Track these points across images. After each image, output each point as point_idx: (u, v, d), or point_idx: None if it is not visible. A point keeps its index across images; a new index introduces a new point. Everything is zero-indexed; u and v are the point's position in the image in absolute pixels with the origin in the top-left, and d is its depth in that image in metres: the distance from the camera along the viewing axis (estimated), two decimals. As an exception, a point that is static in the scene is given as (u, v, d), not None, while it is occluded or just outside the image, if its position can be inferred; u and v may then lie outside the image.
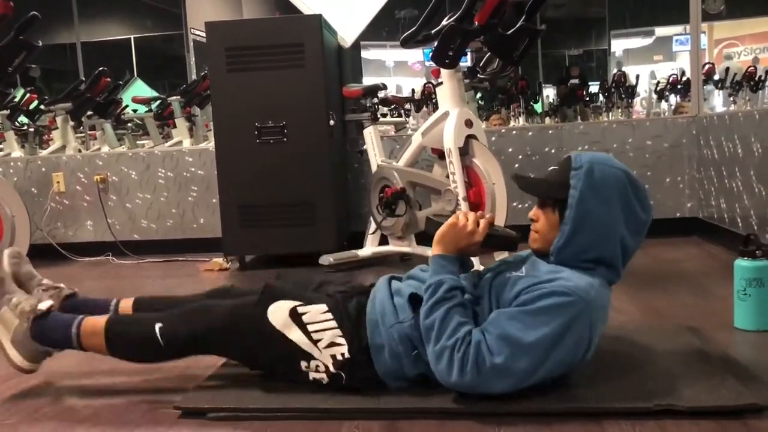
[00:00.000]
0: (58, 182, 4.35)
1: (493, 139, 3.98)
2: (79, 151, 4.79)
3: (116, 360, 1.79)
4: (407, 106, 6.19)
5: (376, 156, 3.53)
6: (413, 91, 7.05)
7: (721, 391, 1.49)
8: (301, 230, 3.55)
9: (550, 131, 4.07)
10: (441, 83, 3.06)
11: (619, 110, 6.48)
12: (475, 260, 2.85)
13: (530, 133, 4.06)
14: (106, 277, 3.64)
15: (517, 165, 4.00)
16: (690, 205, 3.89)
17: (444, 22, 2.84)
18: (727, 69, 7.04)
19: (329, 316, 1.62)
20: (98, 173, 4.32)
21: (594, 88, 7.36)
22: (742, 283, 2.01)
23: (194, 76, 5.79)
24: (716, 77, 6.91)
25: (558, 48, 9.66)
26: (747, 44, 9.85)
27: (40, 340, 1.75)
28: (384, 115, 5.35)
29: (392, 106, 5.61)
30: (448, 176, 2.98)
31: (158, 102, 5.43)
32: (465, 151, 2.94)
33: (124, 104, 5.50)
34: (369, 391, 1.59)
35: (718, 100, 6.98)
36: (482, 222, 1.61)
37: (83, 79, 5.52)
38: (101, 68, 4.83)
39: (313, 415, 1.54)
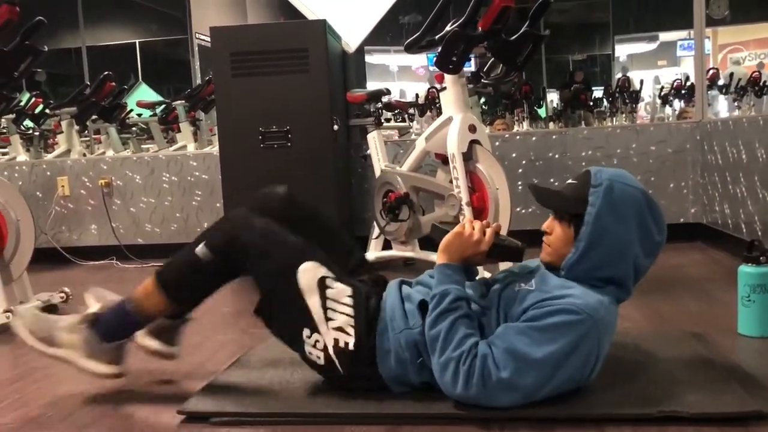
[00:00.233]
0: (62, 186, 4.37)
1: (497, 144, 3.98)
2: (84, 155, 4.80)
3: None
4: (411, 110, 6.19)
5: (379, 161, 3.54)
6: (417, 96, 7.06)
7: (725, 398, 1.48)
8: (305, 235, 3.55)
9: (554, 136, 4.07)
10: (445, 88, 3.06)
11: (623, 115, 6.47)
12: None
13: (534, 138, 4.06)
14: (110, 281, 3.65)
15: (520, 170, 4.00)
16: (694, 211, 3.88)
17: (448, 28, 2.85)
18: (732, 74, 7.03)
19: (350, 302, 1.60)
20: (103, 177, 4.33)
21: (598, 93, 7.36)
22: (746, 289, 2.00)
23: (199, 81, 5.81)
24: (720, 82, 6.90)
25: (562, 53, 9.67)
26: (751, 49, 9.84)
27: (108, 339, 1.73)
28: (388, 120, 5.37)
29: (396, 111, 5.63)
30: (451, 181, 2.98)
31: (163, 106, 5.45)
32: (468, 156, 2.94)
33: (128, 108, 5.52)
34: (370, 395, 1.59)
35: (722, 106, 6.97)
36: (488, 231, 1.60)
37: (88, 83, 5.54)
38: (106, 72, 4.85)
39: (315, 420, 1.54)
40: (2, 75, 2.72)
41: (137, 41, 8.28)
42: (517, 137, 4.11)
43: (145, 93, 7.20)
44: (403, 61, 9.59)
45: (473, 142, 2.95)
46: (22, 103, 5.46)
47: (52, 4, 6.88)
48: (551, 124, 6.56)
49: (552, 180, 3.97)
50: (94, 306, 1.78)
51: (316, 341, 1.59)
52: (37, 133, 5.56)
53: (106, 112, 5.01)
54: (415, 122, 6.17)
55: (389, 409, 1.53)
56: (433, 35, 2.90)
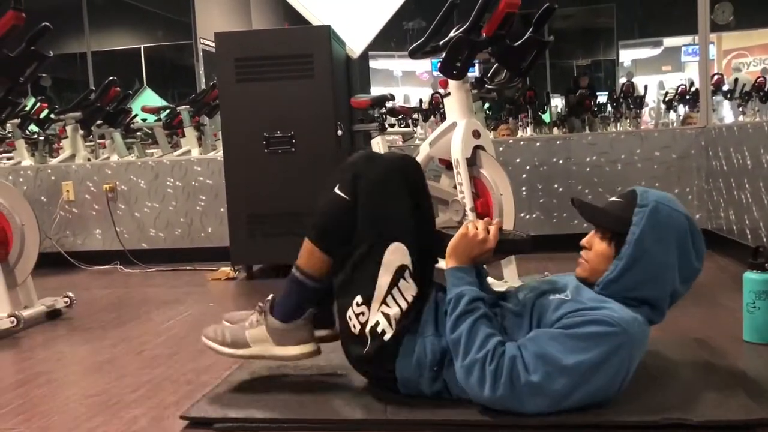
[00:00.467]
0: (67, 191, 4.38)
1: (501, 149, 3.98)
2: (89, 159, 4.82)
3: (123, 369, 1.79)
4: (415, 116, 6.20)
5: (383, 166, 3.53)
6: (421, 101, 7.07)
7: (730, 406, 1.48)
8: (309, 240, 3.55)
9: (558, 142, 4.07)
10: (449, 94, 3.06)
11: (628, 121, 6.47)
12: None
13: (538, 144, 4.06)
14: (113, 286, 3.65)
15: (524, 176, 4.00)
16: (699, 217, 3.87)
17: (452, 34, 2.85)
18: (736, 80, 7.02)
19: (411, 300, 1.60)
20: (107, 182, 4.34)
21: (602, 98, 7.36)
22: (751, 296, 2.00)
23: (203, 86, 5.83)
24: (725, 88, 6.90)
25: (566, 58, 9.68)
26: (756, 55, 9.83)
27: (289, 318, 1.72)
28: (392, 126, 5.37)
29: (400, 117, 5.63)
30: (455, 187, 2.97)
31: (167, 111, 5.46)
32: (472, 162, 2.94)
33: (133, 113, 5.54)
34: (375, 401, 1.58)
35: (727, 111, 6.96)
36: (492, 228, 1.60)
37: (93, 88, 5.57)
38: (111, 78, 4.87)
39: (320, 426, 1.54)
40: (8, 80, 2.73)
41: (142, 46, 8.32)
42: (521, 143, 4.11)
43: (149, 98, 7.22)
44: (407, 66, 9.61)
45: (477, 147, 2.94)
46: (27, 108, 5.49)
47: (57, 9, 6.91)
48: (555, 130, 6.55)
49: (556, 186, 3.97)
50: (269, 297, 1.77)
51: (362, 313, 1.60)
52: (42, 138, 5.58)
53: (111, 117, 5.03)
54: (419, 127, 6.17)
55: (395, 416, 1.53)
56: (437, 41, 2.91)
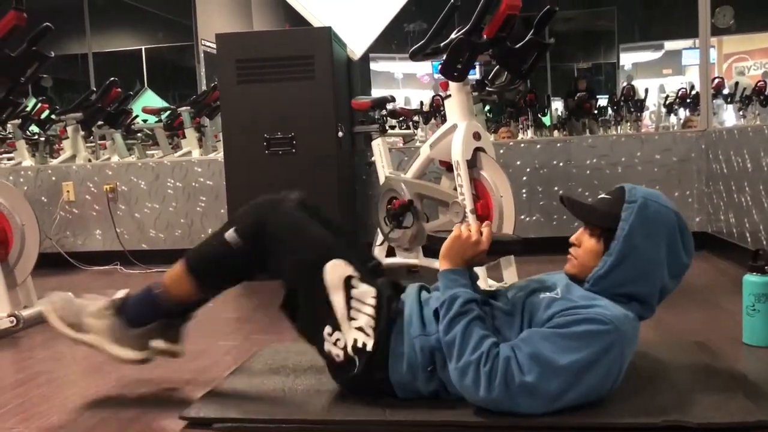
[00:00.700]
0: (67, 191, 4.38)
1: (501, 151, 3.99)
2: (89, 160, 4.82)
3: (123, 369, 1.79)
4: (415, 118, 6.21)
5: (384, 168, 3.54)
6: (422, 103, 7.08)
7: (730, 408, 1.48)
8: (309, 241, 3.54)
9: (558, 144, 4.07)
10: (449, 96, 3.06)
11: (628, 124, 6.48)
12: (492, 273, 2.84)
13: (538, 146, 4.06)
14: (114, 287, 3.62)
15: (525, 178, 4.00)
16: (699, 220, 3.88)
17: (453, 36, 2.85)
18: (737, 83, 7.03)
19: (374, 303, 1.59)
20: (108, 183, 4.34)
21: (603, 101, 7.37)
22: (750, 298, 2.00)
23: (204, 87, 5.83)
24: (726, 91, 6.90)
25: (567, 61, 9.68)
26: (757, 59, 9.84)
27: (134, 324, 1.73)
28: (392, 127, 5.38)
29: (401, 118, 5.64)
30: (455, 189, 2.98)
31: (168, 112, 5.46)
32: (473, 164, 2.94)
33: (134, 114, 5.54)
34: (375, 402, 1.58)
35: (727, 115, 6.97)
36: (485, 230, 1.60)
37: (94, 89, 5.57)
38: (112, 78, 4.87)
39: (318, 427, 1.54)
40: (9, 80, 2.73)
41: (143, 48, 8.32)
42: (522, 145, 4.11)
43: (150, 99, 7.23)
44: (408, 68, 9.61)
45: (478, 149, 2.95)
46: (28, 109, 5.49)
47: (58, 10, 6.92)
48: (556, 132, 6.56)
49: (556, 188, 3.97)
50: (120, 291, 1.78)
51: (337, 339, 1.59)
52: (42, 139, 5.58)
53: (112, 117, 5.03)
54: (419, 129, 6.18)
55: (394, 417, 1.53)
56: (438, 43, 2.91)
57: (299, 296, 1.65)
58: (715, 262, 3.47)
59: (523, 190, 3.99)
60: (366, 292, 1.60)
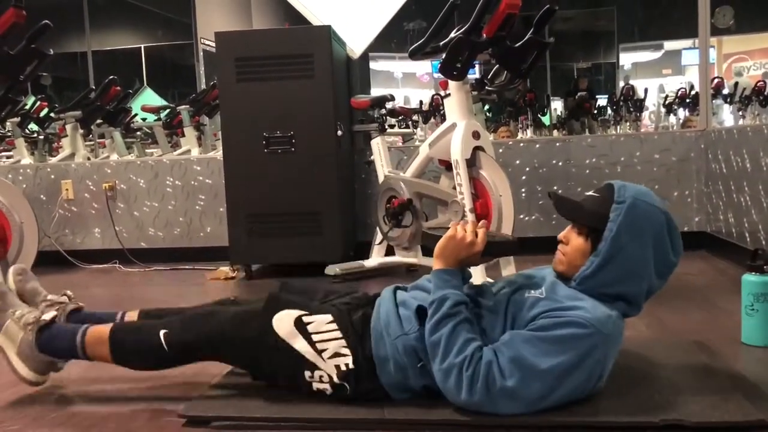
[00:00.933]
0: (66, 189, 4.37)
1: (501, 151, 3.98)
2: (88, 158, 4.81)
3: (120, 367, 1.79)
4: (415, 117, 6.20)
5: (383, 167, 3.54)
6: (421, 102, 7.08)
7: (728, 407, 1.48)
8: (308, 240, 3.55)
9: (558, 144, 4.07)
10: (449, 95, 3.06)
11: (627, 123, 6.47)
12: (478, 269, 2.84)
13: (538, 146, 4.06)
14: (112, 285, 3.65)
15: (524, 177, 4.00)
16: (698, 220, 3.88)
17: (452, 35, 2.85)
18: (736, 83, 7.03)
19: (334, 326, 1.60)
20: (107, 181, 4.34)
21: (602, 101, 7.37)
22: (749, 298, 2.00)
23: (203, 86, 5.83)
24: (725, 91, 6.90)
25: (566, 61, 9.67)
26: (757, 59, 9.83)
27: (46, 351, 1.76)
28: (392, 126, 5.37)
29: (400, 117, 5.63)
30: (455, 187, 2.98)
31: (167, 111, 5.46)
32: (472, 163, 2.94)
33: (133, 113, 5.54)
34: (373, 402, 1.58)
35: (727, 115, 6.97)
36: (480, 231, 1.60)
37: (93, 87, 5.57)
38: (111, 77, 4.87)
39: (317, 426, 1.54)
40: (8, 78, 2.74)
41: (142, 46, 8.31)
42: (521, 144, 4.11)
43: (149, 97, 7.22)
44: (407, 67, 9.60)
45: (477, 148, 2.95)
46: (27, 107, 5.48)
47: (58, 8, 6.91)
48: (555, 132, 6.56)
49: (555, 187, 3.97)
50: (49, 314, 1.79)
51: (321, 376, 1.58)
52: (41, 137, 5.58)
53: (111, 116, 5.03)
54: (419, 128, 6.18)
55: (392, 416, 1.53)
56: (437, 42, 2.91)
57: (264, 366, 1.66)
58: (714, 261, 3.47)
59: (522, 190, 3.99)
60: (320, 321, 1.61)
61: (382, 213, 3.46)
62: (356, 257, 3.61)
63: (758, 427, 1.40)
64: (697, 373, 1.73)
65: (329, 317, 1.62)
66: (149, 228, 4.33)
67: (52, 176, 4.42)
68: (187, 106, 5.10)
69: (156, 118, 5.43)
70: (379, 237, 3.55)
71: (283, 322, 1.62)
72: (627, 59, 9.92)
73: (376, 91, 5.96)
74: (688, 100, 6.64)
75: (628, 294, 1.54)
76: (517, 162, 4.02)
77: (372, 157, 3.64)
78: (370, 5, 4.36)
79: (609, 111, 6.85)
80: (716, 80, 6.78)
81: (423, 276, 1.74)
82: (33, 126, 5.70)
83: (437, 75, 7.69)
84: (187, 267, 3.99)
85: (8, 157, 5.48)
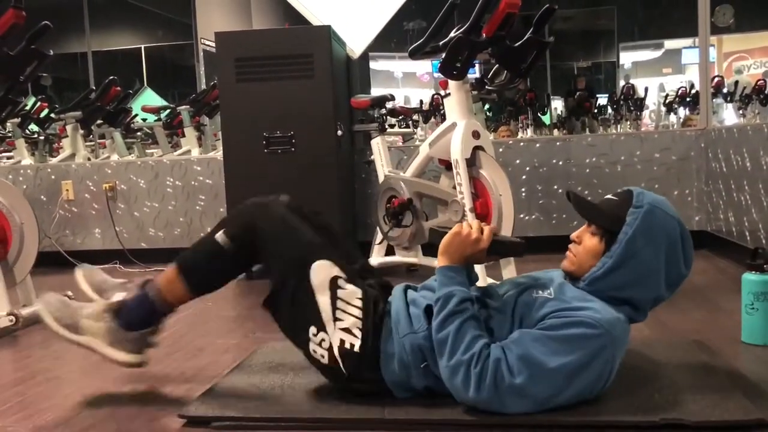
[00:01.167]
0: (67, 190, 4.38)
1: (501, 150, 3.98)
2: (89, 159, 4.81)
3: (121, 368, 1.79)
4: (415, 116, 6.20)
5: (383, 166, 3.54)
6: (421, 102, 7.07)
7: (728, 406, 1.48)
8: (308, 240, 3.54)
9: (558, 143, 4.07)
10: (449, 94, 3.06)
11: (628, 123, 6.47)
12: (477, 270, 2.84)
13: (538, 145, 4.06)
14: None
15: (524, 177, 4.00)
16: (698, 219, 3.88)
17: (452, 34, 2.85)
18: (737, 82, 7.03)
19: (360, 304, 1.60)
20: (107, 181, 4.34)
21: (602, 100, 7.36)
22: (749, 297, 2.00)
23: (204, 86, 5.82)
24: (725, 90, 6.90)
25: (566, 60, 9.67)
26: (757, 57, 9.83)
27: (132, 327, 1.74)
28: (392, 126, 5.37)
29: (400, 117, 5.63)
30: (455, 187, 2.98)
31: (167, 111, 5.46)
32: (472, 163, 2.94)
33: (133, 113, 5.54)
34: (374, 401, 1.58)
35: (727, 113, 6.96)
36: (486, 229, 1.60)
37: (93, 87, 5.57)
38: (111, 77, 4.87)
39: (318, 425, 1.54)
40: (8, 78, 2.73)
41: (143, 46, 8.31)
42: (521, 144, 4.11)
43: (149, 98, 7.22)
44: (407, 67, 9.60)
45: (477, 148, 2.95)
46: (27, 107, 5.49)
47: (58, 8, 6.91)
48: (555, 131, 6.55)
49: (555, 187, 3.97)
50: (116, 295, 1.79)
51: (322, 340, 1.58)
52: (42, 137, 5.58)
53: (111, 116, 5.03)
54: (419, 128, 6.17)
55: (393, 415, 1.53)
56: (437, 41, 2.91)
57: (284, 296, 1.65)
58: (715, 260, 3.47)
59: (523, 189, 3.99)
60: (352, 292, 1.61)
61: (383, 213, 3.45)
62: (356, 257, 3.60)
63: (758, 426, 1.40)
64: (697, 372, 1.73)
65: (360, 293, 1.61)
66: (149, 228, 4.33)
67: (53, 177, 4.42)
68: (188, 107, 5.10)
69: (156, 118, 5.43)
70: (379, 237, 3.55)
71: (321, 272, 1.61)
72: (627, 58, 9.91)
73: (376, 91, 5.96)
74: (688, 99, 6.63)
75: (635, 299, 1.55)
76: (518, 161, 4.01)
77: (372, 157, 3.64)
78: (369, 5, 4.36)
79: (609, 110, 6.84)
80: (716, 79, 6.77)
81: (432, 277, 1.73)
82: (33, 127, 5.70)
83: (437, 74, 7.68)
84: (187, 267, 3.98)
85: (9, 158, 5.48)
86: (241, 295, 3.21)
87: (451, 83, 3.01)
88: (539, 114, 6.61)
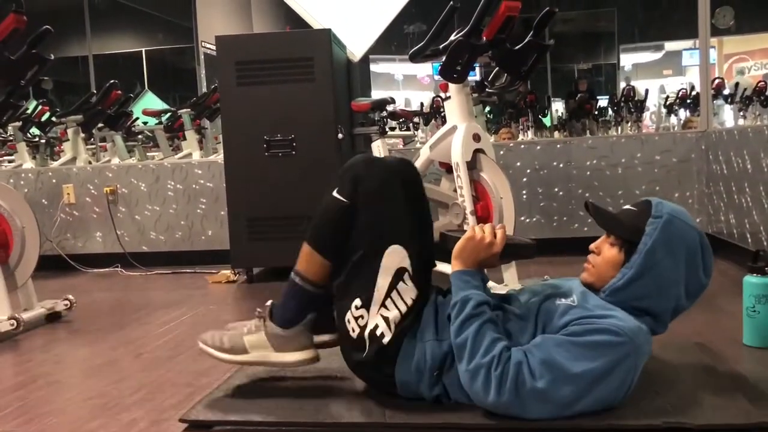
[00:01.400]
0: (68, 194, 4.38)
1: (502, 153, 3.98)
2: (90, 162, 4.82)
3: (122, 372, 1.79)
4: (415, 119, 6.21)
5: (384, 169, 3.53)
6: (422, 104, 7.08)
7: (730, 409, 1.48)
8: (309, 243, 3.54)
9: (559, 145, 4.07)
10: (449, 97, 3.06)
11: (628, 124, 6.47)
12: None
13: (538, 147, 4.06)
14: (114, 289, 3.65)
15: (525, 179, 4.00)
16: (699, 221, 3.87)
17: (452, 37, 2.85)
18: (737, 84, 7.03)
19: (410, 303, 1.59)
20: (108, 185, 4.35)
21: (603, 102, 7.37)
22: (751, 299, 2.00)
23: (204, 89, 5.84)
24: (726, 92, 6.90)
25: (567, 62, 9.68)
26: (757, 59, 9.84)
27: (289, 324, 1.72)
28: (392, 129, 5.38)
29: (401, 120, 5.64)
30: (455, 190, 2.98)
31: (168, 114, 5.47)
32: (473, 165, 2.94)
33: (134, 117, 5.55)
34: (375, 404, 1.58)
35: (727, 115, 6.97)
36: (499, 232, 1.60)
37: (94, 91, 5.57)
38: (112, 81, 4.87)
39: (319, 430, 1.54)
40: (9, 83, 2.74)
41: (143, 50, 8.33)
42: (522, 146, 4.11)
43: (150, 101, 7.24)
44: (408, 70, 9.61)
45: (477, 151, 2.94)
46: (28, 111, 5.49)
47: (58, 12, 6.92)
48: (556, 134, 6.56)
49: (556, 189, 3.97)
50: (268, 302, 1.77)
51: (360, 316, 1.59)
52: (43, 141, 5.58)
53: (112, 120, 5.03)
54: (419, 131, 6.18)
55: (394, 419, 1.53)
56: (437, 44, 2.91)
57: (354, 258, 1.62)
58: (716, 263, 3.43)
59: (523, 192, 3.99)
60: (410, 290, 1.60)
61: (383, 216, 3.45)
62: (357, 260, 3.60)
63: (760, 429, 1.40)
64: (698, 375, 1.73)
65: (415, 294, 1.61)
66: (150, 232, 4.33)
67: (54, 180, 4.42)
68: (188, 110, 5.10)
69: (157, 121, 5.44)
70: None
71: (393, 258, 1.60)
72: (627, 60, 9.93)
73: (376, 94, 5.97)
74: (688, 101, 6.64)
75: (656, 310, 1.54)
76: (518, 164, 4.01)
77: (373, 160, 3.64)
78: (370, 8, 4.36)
79: (610, 112, 6.85)
80: (717, 81, 6.79)
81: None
82: (34, 130, 5.70)
83: (438, 77, 7.69)
84: (188, 270, 3.99)
85: (10, 162, 5.49)
86: (243, 299, 3.21)
87: (452, 86, 3.01)
88: (540, 116, 6.62)
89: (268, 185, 3.55)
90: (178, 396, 1.84)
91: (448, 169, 3.11)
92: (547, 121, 6.92)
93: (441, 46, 2.89)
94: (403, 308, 1.59)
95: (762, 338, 1.99)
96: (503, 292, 1.75)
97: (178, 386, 1.92)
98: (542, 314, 1.54)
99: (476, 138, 2.95)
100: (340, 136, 3.58)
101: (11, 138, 5.42)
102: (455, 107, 3.02)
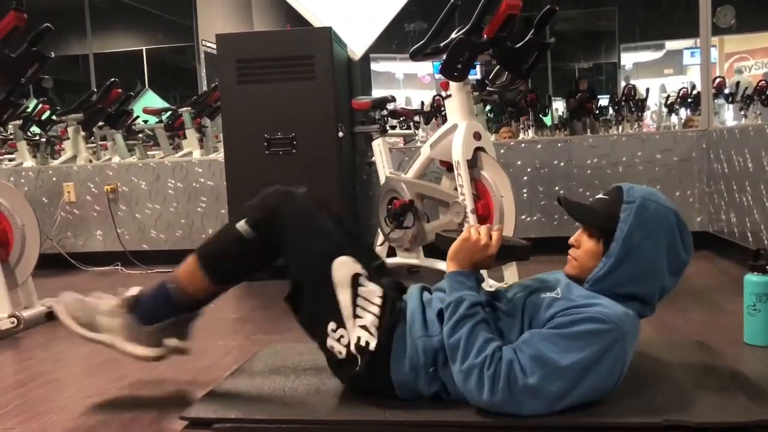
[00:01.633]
0: (68, 192, 4.38)
1: (502, 151, 3.98)
2: (90, 161, 4.82)
3: (122, 370, 1.79)
4: (416, 118, 6.21)
5: (384, 168, 3.54)
6: (422, 103, 7.08)
7: (731, 408, 1.47)
8: (310, 241, 3.55)
9: (559, 144, 4.07)
10: (450, 96, 3.06)
11: (629, 123, 6.47)
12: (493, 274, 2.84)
13: (539, 146, 4.06)
14: (114, 287, 3.63)
15: (525, 178, 4.00)
16: (700, 219, 3.87)
17: (453, 35, 2.85)
18: (738, 83, 7.02)
19: (379, 302, 1.59)
20: (108, 183, 4.35)
21: (604, 101, 7.36)
22: (751, 298, 1.99)
23: (205, 88, 5.84)
24: (727, 91, 6.89)
25: (568, 61, 9.69)
26: (758, 58, 9.83)
27: (148, 321, 1.72)
28: (393, 128, 5.38)
29: (401, 119, 5.64)
30: (456, 189, 2.97)
31: (169, 113, 5.47)
32: (473, 164, 2.94)
33: (135, 115, 5.55)
34: (375, 402, 1.58)
35: (728, 114, 6.96)
36: (495, 234, 1.60)
37: (95, 89, 5.58)
38: (113, 79, 4.87)
39: (318, 428, 1.54)
40: (9, 81, 2.74)
41: (144, 48, 8.33)
42: (523, 145, 4.11)
43: (151, 100, 7.24)
44: (408, 68, 9.61)
45: (478, 149, 2.94)
46: (29, 110, 5.50)
47: (59, 11, 6.93)
48: (557, 132, 6.56)
49: (557, 188, 3.97)
50: (132, 289, 1.77)
51: (341, 336, 1.59)
52: (43, 139, 5.59)
53: (113, 118, 5.03)
54: (420, 130, 6.18)
55: (394, 417, 1.53)
56: (438, 43, 2.91)
57: (306, 290, 1.65)
58: (716, 261, 3.46)
59: (524, 190, 3.99)
60: (373, 291, 1.61)
61: (384, 214, 3.45)
62: (358, 258, 3.60)
63: (760, 428, 1.40)
64: (698, 374, 1.73)
65: (380, 292, 1.61)
66: (151, 230, 4.33)
67: (54, 179, 4.42)
68: (189, 108, 5.10)
69: (157, 120, 5.44)
70: (380, 238, 3.55)
71: (342, 269, 1.61)
72: (628, 59, 9.92)
73: (377, 93, 5.97)
74: (689, 100, 6.63)
75: (641, 294, 1.54)
76: (519, 163, 4.01)
77: (373, 159, 3.64)
78: (370, 6, 4.36)
79: (610, 111, 6.84)
80: (718, 80, 6.78)
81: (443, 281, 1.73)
82: (35, 129, 5.71)
83: (438, 76, 7.69)
84: (188, 269, 3.99)
85: (10, 160, 5.49)
86: (243, 297, 3.21)
87: (452, 85, 3.01)
88: (540, 115, 6.61)
89: (268, 184, 3.53)
90: (178, 393, 1.84)
91: (449, 167, 3.11)
92: (547, 119, 6.92)
93: (442, 45, 2.89)
94: (376, 309, 1.59)
95: (762, 337, 1.99)
96: (492, 289, 1.75)
97: (178, 384, 1.92)
98: (528, 309, 1.55)
99: (477, 136, 2.95)
100: (340, 134, 3.58)
101: (12, 136, 5.42)
102: (456, 106, 3.02)
